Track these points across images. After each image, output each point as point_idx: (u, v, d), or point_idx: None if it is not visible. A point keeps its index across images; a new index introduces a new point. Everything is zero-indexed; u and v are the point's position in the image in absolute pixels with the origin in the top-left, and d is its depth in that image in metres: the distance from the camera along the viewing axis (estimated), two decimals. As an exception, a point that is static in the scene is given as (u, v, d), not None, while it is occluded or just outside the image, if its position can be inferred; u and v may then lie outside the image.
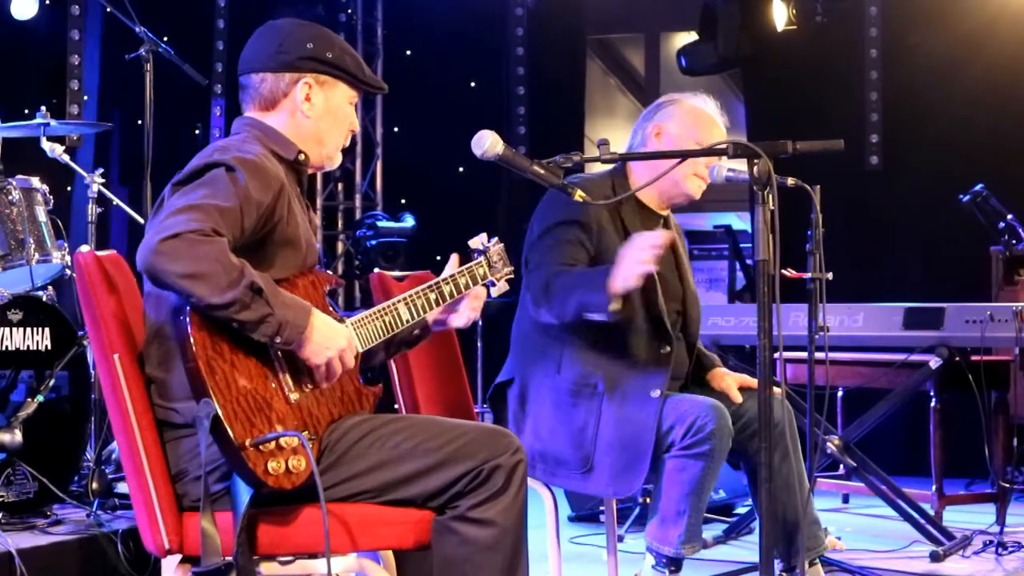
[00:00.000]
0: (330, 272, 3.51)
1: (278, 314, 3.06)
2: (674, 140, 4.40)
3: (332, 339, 3.19)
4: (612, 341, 4.29)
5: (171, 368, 3.16)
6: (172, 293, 3.05)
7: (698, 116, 4.44)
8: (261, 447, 3.03)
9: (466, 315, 3.71)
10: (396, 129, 10.30)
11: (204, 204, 3.05)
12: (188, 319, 3.03)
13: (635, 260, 3.92)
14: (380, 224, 9.51)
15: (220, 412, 3.00)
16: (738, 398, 4.45)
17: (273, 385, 3.15)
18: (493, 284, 3.76)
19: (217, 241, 3.01)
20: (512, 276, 3.82)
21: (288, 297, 3.13)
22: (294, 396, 3.18)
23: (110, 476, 5.01)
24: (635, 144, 4.50)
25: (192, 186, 3.14)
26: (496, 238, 3.81)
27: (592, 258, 4.28)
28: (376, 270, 4.48)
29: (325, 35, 3.49)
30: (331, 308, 3.36)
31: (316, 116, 3.44)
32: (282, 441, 3.06)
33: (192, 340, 3.03)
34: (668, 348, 4.35)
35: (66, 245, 5.41)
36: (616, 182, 4.40)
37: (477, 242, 3.76)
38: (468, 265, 3.71)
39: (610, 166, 4.38)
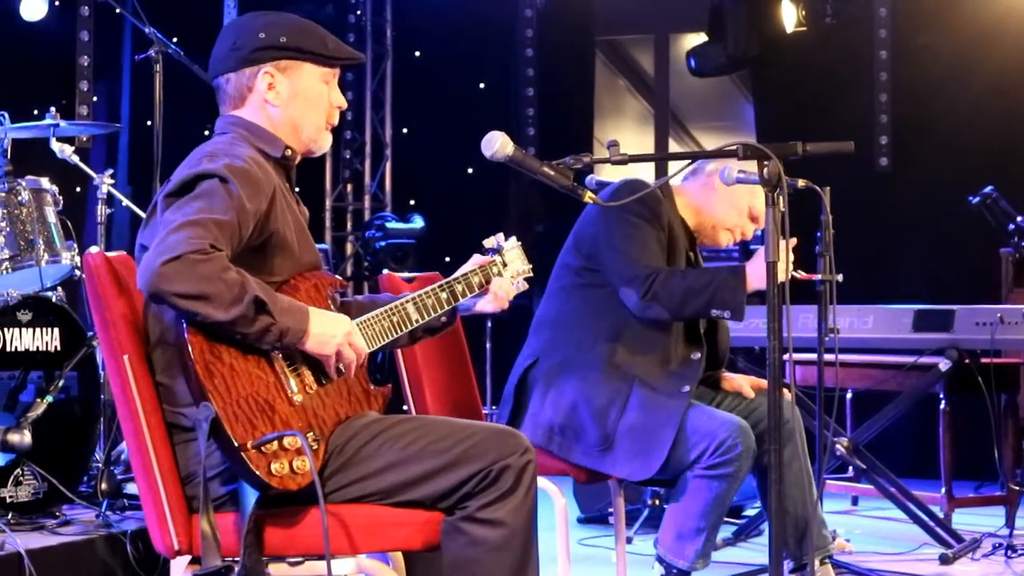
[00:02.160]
0: (335, 275, 3.49)
1: (280, 323, 3.06)
2: (730, 193, 4.54)
3: (335, 328, 3.18)
4: (648, 340, 4.43)
5: (176, 374, 3.15)
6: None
7: (759, 191, 4.52)
8: (263, 448, 3.03)
9: (492, 303, 3.68)
10: (405, 130, 10.30)
11: (202, 219, 3.03)
12: (185, 323, 3.03)
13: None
14: (389, 225, 9.50)
15: (219, 415, 3.00)
16: (751, 394, 4.55)
17: (275, 387, 3.14)
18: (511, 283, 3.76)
19: (217, 257, 2.99)
20: (531, 275, 3.82)
21: (286, 302, 3.12)
22: (298, 398, 3.17)
23: (119, 477, 5.01)
24: (698, 170, 4.66)
25: (187, 199, 3.11)
26: (513, 237, 3.80)
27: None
28: (385, 271, 4.49)
29: (279, 20, 3.42)
30: (335, 310, 3.34)
31: (284, 103, 3.38)
32: (285, 442, 3.05)
33: (190, 344, 3.03)
34: (699, 354, 4.48)
35: (76, 246, 5.41)
36: (663, 190, 4.56)
37: (492, 241, 3.75)
38: (482, 263, 3.70)
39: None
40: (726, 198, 4.54)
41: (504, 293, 3.68)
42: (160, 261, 2.96)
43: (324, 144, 3.50)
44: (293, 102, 3.40)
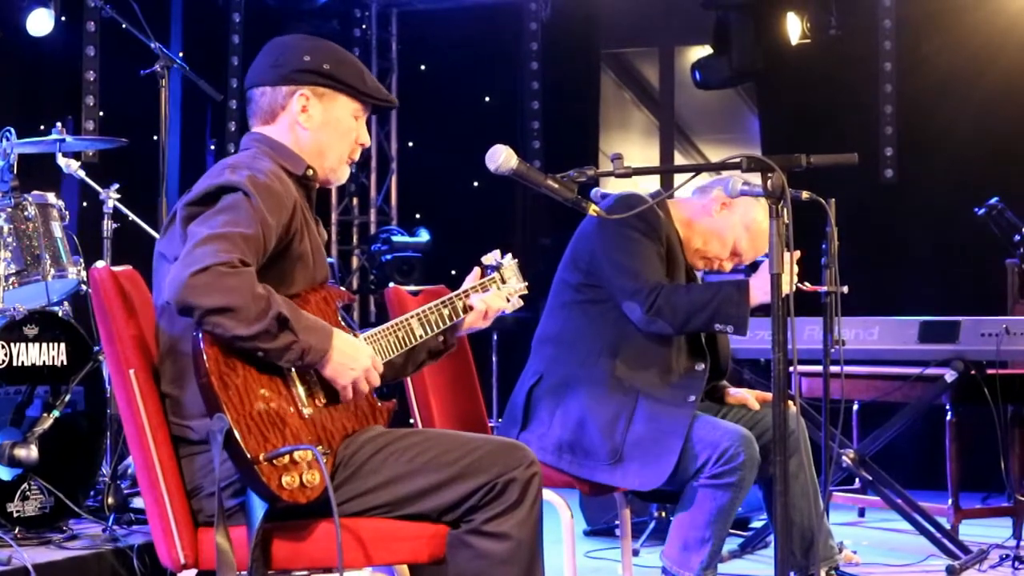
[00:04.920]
0: (342, 287, 3.50)
1: (302, 340, 3.08)
2: (722, 224, 4.59)
3: (355, 359, 3.20)
4: (650, 353, 4.44)
5: (185, 385, 3.17)
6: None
7: (759, 230, 4.52)
8: (275, 461, 3.04)
9: (480, 318, 3.70)
10: (411, 144, 10.32)
11: (229, 233, 3.06)
12: (201, 334, 3.04)
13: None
14: (395, 239, 9.52)
15: (233, 427, 3.01)
16: (755, 406, 4.56)
17: (287, 400, 3.15)
18: (507, 300, 3.78)
19: (244, 272, 3.02)
20: (527, 292, 3.83)
21: (310, 320, 3.13)
22: (308, 411, 3.18)
23: (126, 491, 5.01)
24: (706, 190, 4.67)
25: (212, 212, 3.14)
26: (510, 254, 3.83)
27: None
28: (391, 285, 4.50)
29: (325, 48, 3.47)
30: (343, 323, 3.36)
31: (314, 128, 3.42)
32: (296, 455, 3.06)
33: (205, 355, 3.04)
34: (703, 365, 4.49)
35: (82, 260, 5.42)
36: (660, 204, 4.58)
37: (490, 258, 3.78)
38: (481, 281, 3.72)
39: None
40: (717, 227, 4.57)
41: (493, 309, 3.71)
42: (189, 272, 2.97)
43: (342, 176, 3.54)
44: (323, 129, 3.44)
